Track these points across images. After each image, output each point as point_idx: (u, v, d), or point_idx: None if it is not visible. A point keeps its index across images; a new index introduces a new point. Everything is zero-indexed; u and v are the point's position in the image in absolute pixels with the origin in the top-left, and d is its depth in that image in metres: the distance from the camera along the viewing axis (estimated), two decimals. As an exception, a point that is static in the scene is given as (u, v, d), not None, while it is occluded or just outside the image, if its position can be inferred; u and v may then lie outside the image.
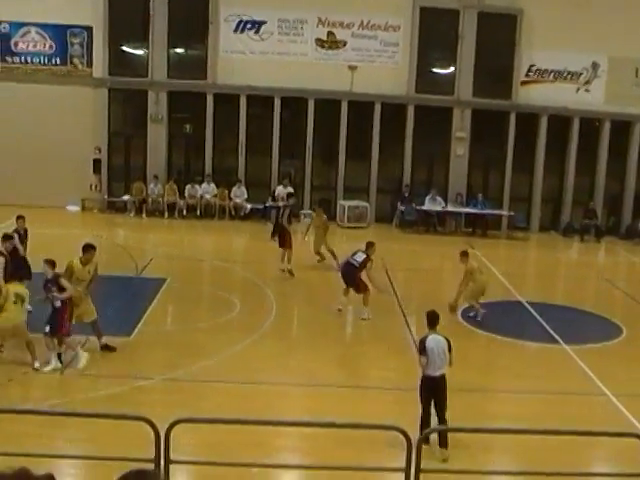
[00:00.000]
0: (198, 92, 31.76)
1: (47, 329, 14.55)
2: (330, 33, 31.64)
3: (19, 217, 18.61)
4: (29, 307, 14.96)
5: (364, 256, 19.12)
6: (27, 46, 31.33)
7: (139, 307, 18.68)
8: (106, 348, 15.59)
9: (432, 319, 12.47)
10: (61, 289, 14.63)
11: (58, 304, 14.57)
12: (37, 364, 14.30)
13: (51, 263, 14.94)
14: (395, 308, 20.09)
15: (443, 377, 12.15)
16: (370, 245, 19.25)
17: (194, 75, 31.69)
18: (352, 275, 19.18)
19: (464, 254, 19.47)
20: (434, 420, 11.98)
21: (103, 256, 23.52)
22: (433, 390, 12.14)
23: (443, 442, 11.82)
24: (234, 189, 31.63)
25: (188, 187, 31.56)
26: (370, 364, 16.23)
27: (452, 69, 32.24)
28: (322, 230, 24.11)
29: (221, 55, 31.68)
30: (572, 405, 14.39)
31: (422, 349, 12.11)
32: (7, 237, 16.78)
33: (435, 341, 12.13)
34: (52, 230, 26.48)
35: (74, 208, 30.99)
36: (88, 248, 15.75)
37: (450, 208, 31.73)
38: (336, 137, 32.00)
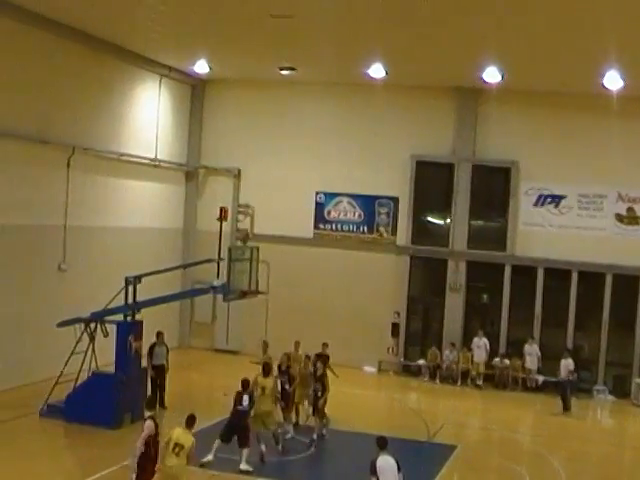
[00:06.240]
0: (496, 263, 32.55)
1: None
2: (630, 209, 31.57)
3: None
4: None
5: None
6: (338, 214, 33.90)
7: (429, 472, 19.23)
8: None
9: (382, 443, 13.50)
10: None
11: None
12: None
13: None
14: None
15: None
16: None
17: (493, 246, 32.54)
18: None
19: None
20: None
21: (396, 418, 24.51)
22: None
23: None
24: (527, 359, 31.65)
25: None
26: None
27: None
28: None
29: (520, 228, 32.39)
30: None
31: (373, 470, 12.95)
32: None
33: (384, 460, 13.10)
34: (349, 389, 27.81)
35: (371, 369, 32.20)
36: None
37: None
38: (633, 312, 31.43)
